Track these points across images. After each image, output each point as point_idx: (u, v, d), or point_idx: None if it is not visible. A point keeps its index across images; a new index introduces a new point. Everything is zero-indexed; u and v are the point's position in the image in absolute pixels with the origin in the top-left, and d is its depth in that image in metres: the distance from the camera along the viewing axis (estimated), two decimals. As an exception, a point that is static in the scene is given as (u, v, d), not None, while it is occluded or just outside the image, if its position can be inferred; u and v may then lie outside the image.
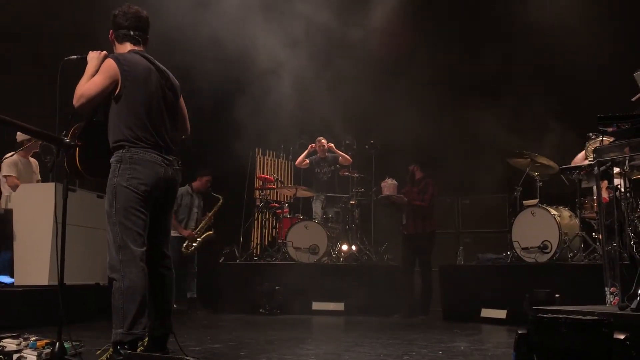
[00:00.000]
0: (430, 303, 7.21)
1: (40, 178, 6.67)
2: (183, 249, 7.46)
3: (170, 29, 6.43)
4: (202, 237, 7.64)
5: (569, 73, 7.57)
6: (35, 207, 5.74)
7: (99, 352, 3.33)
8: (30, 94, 7.12)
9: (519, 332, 2.25)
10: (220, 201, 7.70)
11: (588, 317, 2.13)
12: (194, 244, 7.56)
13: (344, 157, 8.38)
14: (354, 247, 7.91)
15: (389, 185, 7.52)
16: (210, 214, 7.73)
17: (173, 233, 7.10)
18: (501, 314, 6.09)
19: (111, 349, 3.12)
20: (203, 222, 7.67)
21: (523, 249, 6.33)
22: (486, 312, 6.26)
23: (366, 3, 8.71)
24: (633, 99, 3.68)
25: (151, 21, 3.51)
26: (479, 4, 8.58)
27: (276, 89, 7.99)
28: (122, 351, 3.01)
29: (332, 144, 8.44)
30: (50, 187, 5.72)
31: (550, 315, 2.18)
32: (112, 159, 3.25)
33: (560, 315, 2.13)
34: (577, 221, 6.30)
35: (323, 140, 8.41)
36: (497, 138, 7.48)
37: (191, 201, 7.70)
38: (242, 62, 7.89)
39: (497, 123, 7.53)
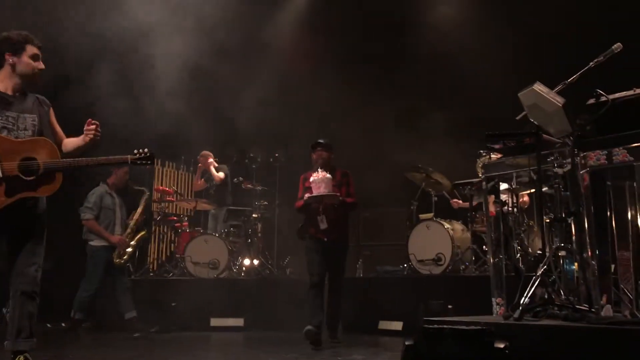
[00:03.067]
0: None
1: None
2: (115, 259, 6.46)
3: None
4: (135, 239, 6.71)
5: (465, 90, 7.94)
6: None
7: None
8: None
9: (406, 343, 2.28)
10: (147, 194, 6.89)
11: (471, 327, 2.19)
12: (127, 250, 6.59)
13: (215, 175, 8.18)
14: (255, 261, 7.80)
15: (322, 181, 5.51)
16: (139, 211, 6.79)
17: (98, 242, 6.42)
18: (398, 325, 6.21)
19: (22, 357, 3.33)
20: (132, 222, 6.70)
21: (419, 261, 6.52)
22: (384, 324, 6.36)
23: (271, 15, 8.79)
24: (517, 118, 3.89)
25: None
26: (386, 25, 8.84)
27: (177, 97, 7.78)
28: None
29: (212, 163, 8.21)
30: None
31: (435, 325, 2.22)
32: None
33: (445, 326, 2.17)
34: (469, 234, 6.58)
35: (207, 155, 8.23)
36: (396, 152, 7.69)
37: (112, 201, 6.63)
38: (142, 68, 7.64)
39: (396, 137, 7.76)
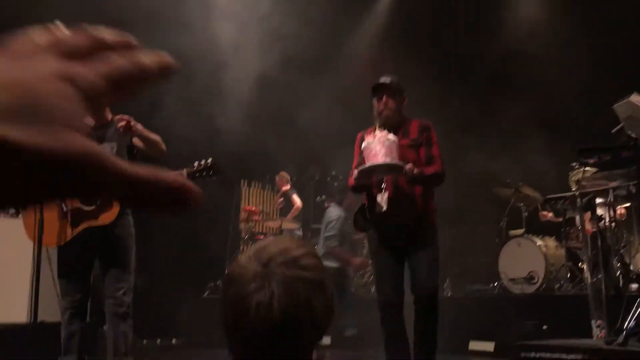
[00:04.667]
0: None
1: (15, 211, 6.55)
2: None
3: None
4: None
5: (555, 101, 7.64)
6: (14, 242, 5.62)
7: None
8: None
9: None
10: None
11: (572, 357, 2.08)
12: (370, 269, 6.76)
13: (294, 201, 8.30)
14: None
15: (380, 143, 3.38)
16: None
17: (331, 263, 6.31)
18: (489, 346, 6.00)
19: None
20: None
21: (510, 279, 6.29)
22: (474, 345, 6.16)
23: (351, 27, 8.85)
24: (613, 131, 3.69)
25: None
26: (466, 36, 8.68)
27: (260, 117, 7.98)
28: None
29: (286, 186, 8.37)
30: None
31: (534, 354, 2.13)
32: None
33: (546, 355, 2.07)
34: (562, 251, 6.28)
35: (282, 177, 8.42)
36: (483, 167, 7.49)
37: (349, 226, 6.36)
38: (226, 92, 7.89)
39: (483, 152, 7.55)
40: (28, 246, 5.43)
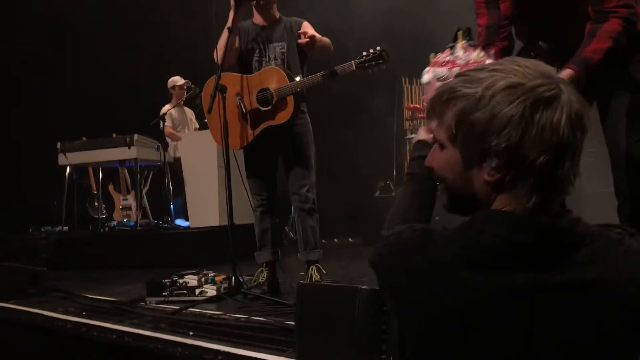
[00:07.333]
0: None
1: (198, 125, 7.03)
2: None
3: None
4: None
5: None
6: (200, 153, 6.07)
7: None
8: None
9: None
10: None
11: None
12: None
13: None
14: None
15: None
16: None
17: None
18: None
19: (314, 267, 3.59)
20: None
21: None
22: None
23: None
24: None
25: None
26: None
27: (420, 15, 7.56)
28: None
29: None
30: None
31: None
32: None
33: None
34: None
35: None
36: None
37: None
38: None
39: None
40: (212, 154, 5.86)
